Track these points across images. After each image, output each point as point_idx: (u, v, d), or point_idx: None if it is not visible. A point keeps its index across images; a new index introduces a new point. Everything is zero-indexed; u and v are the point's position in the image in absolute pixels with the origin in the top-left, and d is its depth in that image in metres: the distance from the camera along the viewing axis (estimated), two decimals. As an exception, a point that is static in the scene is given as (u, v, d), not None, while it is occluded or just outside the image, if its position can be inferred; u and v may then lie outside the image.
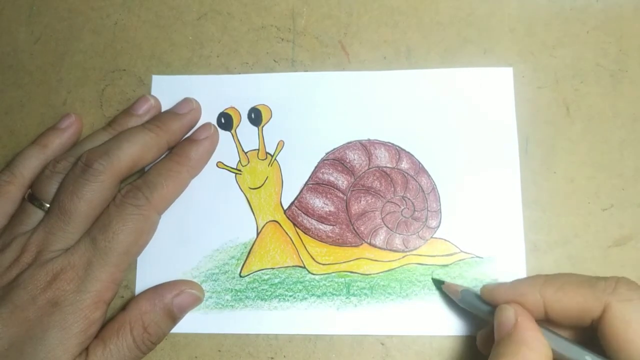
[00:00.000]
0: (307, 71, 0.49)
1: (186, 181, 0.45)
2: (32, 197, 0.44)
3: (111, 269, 0.41)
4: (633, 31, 0.47)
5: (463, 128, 0.46)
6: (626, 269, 0.43)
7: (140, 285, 0.45)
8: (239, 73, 0.49)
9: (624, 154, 0.45)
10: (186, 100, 0.47)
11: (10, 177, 0.44)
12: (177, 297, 0.43)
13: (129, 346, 0.40)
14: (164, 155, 0.46)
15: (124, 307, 0.43)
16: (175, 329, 0.44)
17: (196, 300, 0.44)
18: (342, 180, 0.46)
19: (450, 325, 0.43)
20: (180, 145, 0.46)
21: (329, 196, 0.46)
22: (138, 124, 0.46)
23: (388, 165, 0.46)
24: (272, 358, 0.44)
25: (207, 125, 0.47)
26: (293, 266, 0.45)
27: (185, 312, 0.44)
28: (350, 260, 0.44)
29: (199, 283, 0.45)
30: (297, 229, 0.45)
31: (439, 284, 0.43)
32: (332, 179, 0.46)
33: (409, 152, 0.46)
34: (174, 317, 0.43)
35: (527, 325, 0.34)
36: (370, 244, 0.45)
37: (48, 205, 0.43)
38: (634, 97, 0.46)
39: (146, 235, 0.43)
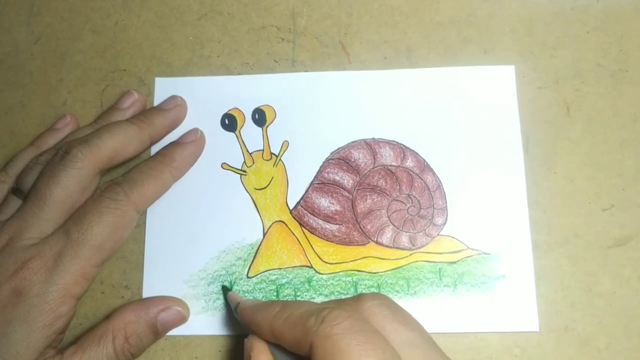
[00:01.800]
0: (307, 71, 0.49)
1: (168, 182, 0.45)
2: (15, 189, 0.43)
3: (82, 262, 0.40)
4: (633, 31, 0.48)
5: (467, 126, 0.46)
6: (626, 268, 0.44)
7: (147, 287, 0.45)
8: (240, 73, 0.49)
9: (624, 154, 0.46)
10: (171, 97, 0.48)
11: (4, 177, 0.44)
12: (162, 313, 0.42)
13: (108, 355, 0.39)
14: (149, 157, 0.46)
15: (107, 316, 0.42)
16: (182, 331, 0.44)
17: (181, 319, 0.43)
18: (347, 180, 0.46)
19: (458, 323, 0.43)
20: (166, 147, 0.46)
21: (334, 195, 0.46)
22: (122, 118, 0.46)
23: (393, 163, 0.46)
24: (272, 359, 0.43)
25: (194, 130, 0.47)
26: (300, 266, 0.45)
27: (168, 329, 0.43)
28: (357, 259, 0.44)
29: (206, 285, 0.45)
30: (303, 228, 0.45)
31: (226, 290, 0.44)
32: (337, 178, 0.46)
33: (413, 151, 0.46)
34: (156, 332, 0.42)
35: (258, 357, 0.35)
36: (377, 242, 0.45)
37: None
38: (634, 97, 0.46)
39: (122, 231, 0.42)
